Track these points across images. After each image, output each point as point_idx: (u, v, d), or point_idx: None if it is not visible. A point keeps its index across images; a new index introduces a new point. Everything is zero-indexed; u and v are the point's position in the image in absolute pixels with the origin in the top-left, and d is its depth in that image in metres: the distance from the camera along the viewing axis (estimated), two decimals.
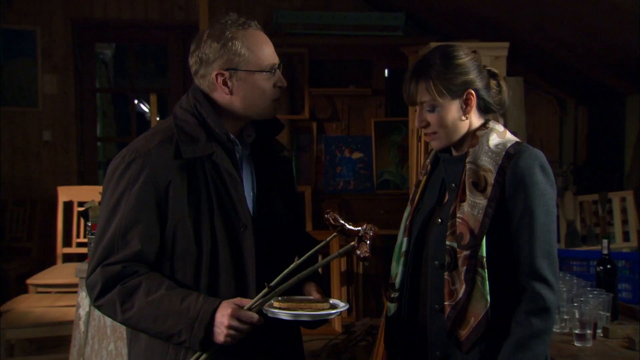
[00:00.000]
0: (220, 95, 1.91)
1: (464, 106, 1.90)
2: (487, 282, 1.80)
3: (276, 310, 1.79)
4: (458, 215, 1.85)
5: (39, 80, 6.20)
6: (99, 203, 3.23)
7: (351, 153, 6.23)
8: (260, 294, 1.77)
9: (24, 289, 4.74)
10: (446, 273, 1.85)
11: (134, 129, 6.78)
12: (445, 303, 1.84)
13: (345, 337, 5.25)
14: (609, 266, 2.88)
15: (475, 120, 1.94)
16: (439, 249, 1.89)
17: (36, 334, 3.93)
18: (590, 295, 2.66)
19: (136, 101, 9.63)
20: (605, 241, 2.90)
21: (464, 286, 1.80)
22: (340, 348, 5.01)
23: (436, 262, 1.89)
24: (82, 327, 2.69)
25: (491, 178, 1.83)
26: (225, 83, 1.89)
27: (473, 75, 1.91)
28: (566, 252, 3.75)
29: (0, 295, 5.19)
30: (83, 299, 2.71)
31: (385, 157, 6.18)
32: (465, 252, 1.81)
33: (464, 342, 1.82)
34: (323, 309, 1.84)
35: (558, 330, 2.69)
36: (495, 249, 1.82)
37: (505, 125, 3.78)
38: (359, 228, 1.80)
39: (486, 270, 1.80)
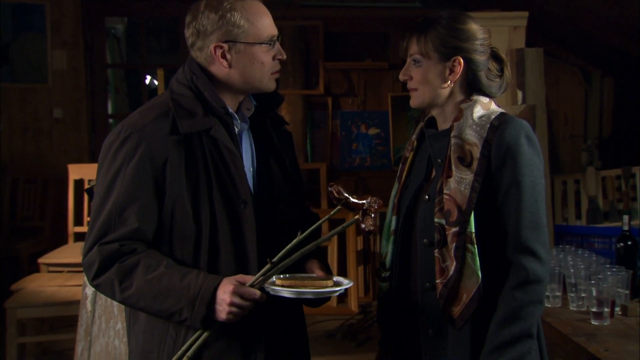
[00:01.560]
0: (218, 69, 1.89)
1: (449, 72, 1.89)
2: (478, 258, 1.79)
3: (278, 288, 1.79)
4: (445, 191, 1.84)
5: (49, 56, 6.23)
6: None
7: (367, 129, 6.21)
8: (263, 270, 1.77)
9: (36, 269, 4.80)
10: (436, 250, 1.84)
11: None
12: (437, 281, 1.84)
13: (362, 317, 5.27)
14: (629, 242, 2.86)
15: (459, 93, 1.92)
16: (427, 227, 1.88)
17: (46, 314, 3.99)
18: (609, 273, 2.64)
19: (149, 77, 9.62)
20: (625, 217, 2.88)
21: (454, 263, 1.80)
22: (356, 328, 5.03)
23: (425, 240, 1.89)
24: (89, 306, 2.72)
25: (476, 152, 1.82)
26: (223, 56, 1.87)
27: (470, 45, 1.89)
28: (587, 228, 3.74)
29: (13, 275, 5.28)
30: None
31: (402, 132, 6.16)
32: (454, 229, 1.81)
33: (457, 319, 1.82)
34: (327, 287, 1.84)
35: (575, 309, 2.68)
36: (484, 224, 1.82)
37: (524, 99, 3.76)
38: (364, 201, 1.79)
39: (476, 246, 1.80)
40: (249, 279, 1.77)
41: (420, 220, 1.91)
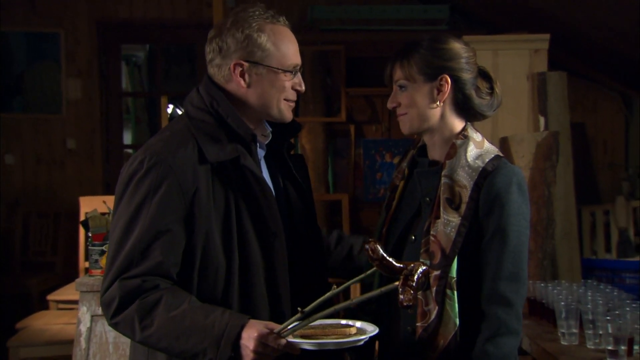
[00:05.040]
0: (236, 87, 1.92)
1: (437, 92, 1.93)
2: (456, 305, 1.82)
3: (298, 341, 1.72)
4: (432, 232, 1.87)
5: (63, 85, 6.40)
6: (106, 213, 3.34)
7: (393, 158, 6.23)
8: (291, 320, 1.73)
9: (46, 306, 4.88)
10: (420, 293, 1.85)
11: None
12: (417, 324, 1.85)
13: None
14: None
15: (451, 115, 1.96)
16: None
17: (49, 353, 4.03)
18: (627, 308, 2.63)
19: (172, 106, 9.74)
20: None
21: (436, 308, 1.82)
22: None
23: None
24: (83, 344, 2.79)
25: (466, 195, 1.85)
26: (242, 75, 1.90)
27: (455, 64, 1.93)
28: (617, 262, 3.70)
29: (23, 312, 5.37)
30: (84, 314, 2.81)
31: None
32: (436, 272, 1.83)
33: None
34: (350, 335, 1.78)
35: (592, 347, 2.67)
36: (467, 270, 1.84)
37: (547, 125, 3.77)
38: (402, 266, 1.70)
39: (455, 292, 1.82)
40: (277, 326, 1.74)
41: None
